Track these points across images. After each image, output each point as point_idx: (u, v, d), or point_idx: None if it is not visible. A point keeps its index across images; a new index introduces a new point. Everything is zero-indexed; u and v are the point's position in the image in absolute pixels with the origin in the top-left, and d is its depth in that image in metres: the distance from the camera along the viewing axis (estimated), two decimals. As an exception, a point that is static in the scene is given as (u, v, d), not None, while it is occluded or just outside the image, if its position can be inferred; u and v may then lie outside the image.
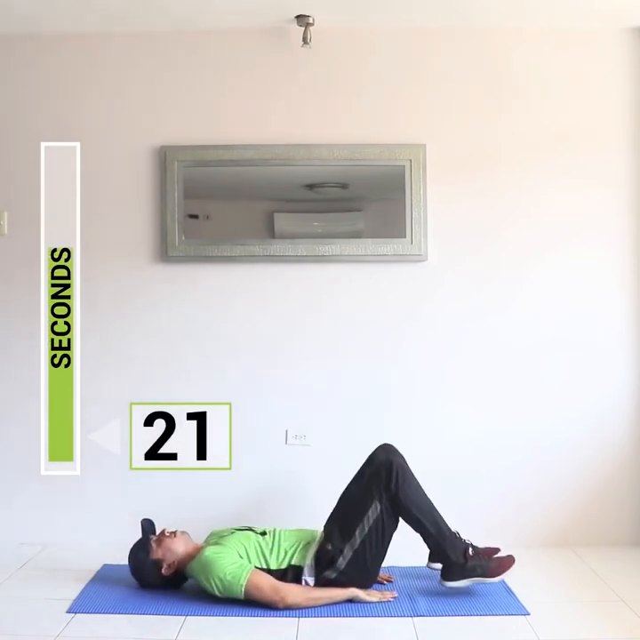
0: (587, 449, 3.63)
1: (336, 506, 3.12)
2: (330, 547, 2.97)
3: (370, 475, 3.06)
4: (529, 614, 2.84)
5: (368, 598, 2.94)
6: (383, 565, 3.14)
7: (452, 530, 3.04)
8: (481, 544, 3.06)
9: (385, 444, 3.16)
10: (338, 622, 2.82)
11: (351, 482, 3.13)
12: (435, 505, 3.05)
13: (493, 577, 2.98)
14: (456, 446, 3.62)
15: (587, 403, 3.63)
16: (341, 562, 2.94)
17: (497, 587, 3.09)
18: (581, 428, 3.63)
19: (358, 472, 3.13)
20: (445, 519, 3.04)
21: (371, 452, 3.15)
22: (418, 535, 3.02)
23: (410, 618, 2.83)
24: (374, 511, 2.98)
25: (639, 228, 3.63)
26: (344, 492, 3.12)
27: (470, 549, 3.00)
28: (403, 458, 3.11)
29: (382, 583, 3.14)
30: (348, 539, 2.96)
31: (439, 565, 3.01)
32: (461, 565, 2.97)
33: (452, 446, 3.62)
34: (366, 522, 2.97)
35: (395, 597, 2.98)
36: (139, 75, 3.66)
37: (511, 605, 2.92)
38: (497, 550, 3.09)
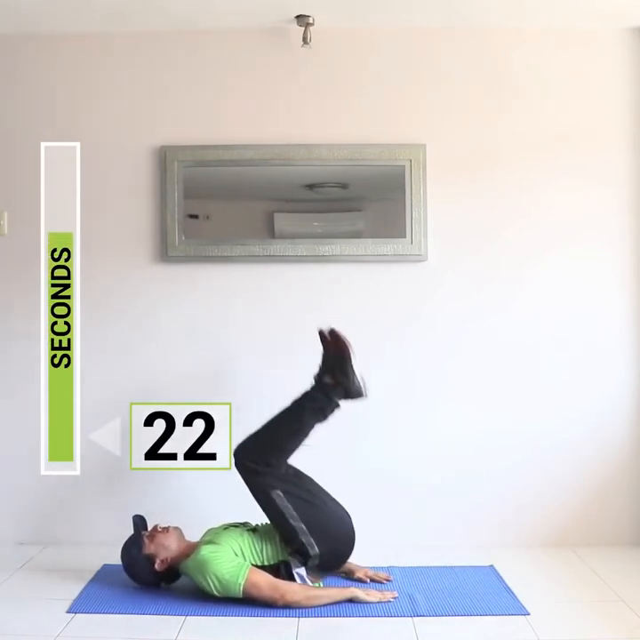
0: (587, 449, 3.63)
1: None
2: (290, 551, 2.99)
3: (247, 484, 3.09)
4: (529, 614, 2.83)
5: (368, 598, 2.93)
6: (383, 565, 3.14)
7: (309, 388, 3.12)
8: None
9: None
10: (338, 622, 2.82)
11: None
12: (276, 424, 3.11)
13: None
14: (456, 446, 3.62)
15: (587, 403, 3.63)
16: (312, 550, 2.96)
17: (497, 586, 3.09)
18: (581, 427, 3.63)
19: None
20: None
21: None
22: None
23: (410, 618, 2.83)
24: (281, 498, 3.00)
25: (639, 227, 3.63)
26: None
27: (326, 378, 3.10)
28: (239, 445, 3.12)
29: (382, 583, 3.13)
30: (295, 533, 2.97)
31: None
32: (332, 385, 3.09)
33: (452, 446, 3.62)
34: (288, 511, 2.98)
35: (395, 597, 2.98)
36: (139, 75, 3.67)
37: (511, 605, 2.92)
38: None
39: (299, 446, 3.12)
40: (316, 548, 2.96)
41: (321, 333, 3.17)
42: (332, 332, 3.15)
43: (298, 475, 3.12)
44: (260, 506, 3.06)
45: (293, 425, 3.11)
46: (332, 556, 3.01)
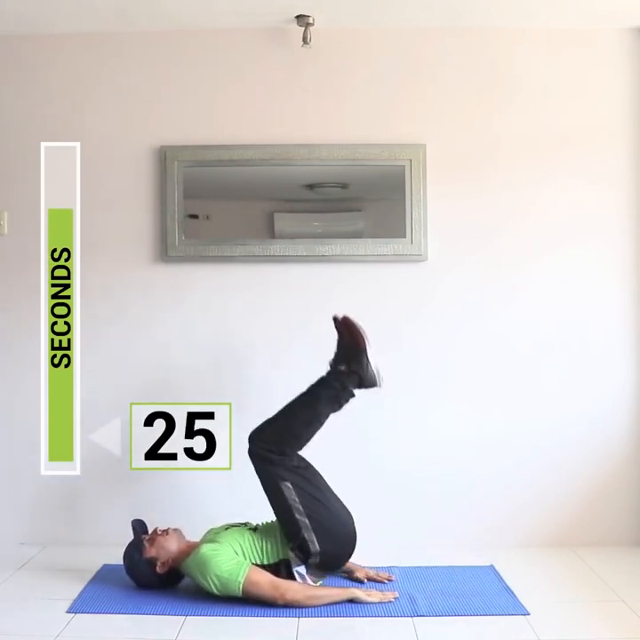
0: (587, 449, 3.62)
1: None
2: (292, 545, 2.98)
3: (257, 472, 3.06)
4: (529, 614, 2.83)
5: (369, 599, 2.93)
6: (383, 565, 3.14)
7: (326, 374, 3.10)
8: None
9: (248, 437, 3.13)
10: (338, 622, 2.82)
11: None
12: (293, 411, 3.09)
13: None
14: (456, 446, 3.62)
15: (587, 402, 3.63)
16: (313, 547, 2.95)
17: (497, 586, 3.09)
18: (581, 427, 3.63)
19: None
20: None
21: None
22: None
23: (410, 618, 2.83)
24: (289, 490, 2.98)
25: (639, 227, 3.63)
26: None
27: (341, 365, 3.07)
28: (255, 431, 3.09)
29: (383, 583, 3.13)
30: (298, 528, 2.96)
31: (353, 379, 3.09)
32: (347, 374, 3.05)
33: (452, 446, 3.62)
34: (294, 504, 2.97)
35: (396, 597, 2.97)
36: (139, 75, 3.66)
37: (511, 605, 2.92)
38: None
39: (313, 436, 3.09)
40: (318, 545, 2.96)
41: (335, 320, 3.13)
42: (345, 320, 3.10)
43: (308, 469, 3.09)
44: (268, 496, 3.05)
45: (309, 414, 3.08)
46: (333, 555, 3.00)
